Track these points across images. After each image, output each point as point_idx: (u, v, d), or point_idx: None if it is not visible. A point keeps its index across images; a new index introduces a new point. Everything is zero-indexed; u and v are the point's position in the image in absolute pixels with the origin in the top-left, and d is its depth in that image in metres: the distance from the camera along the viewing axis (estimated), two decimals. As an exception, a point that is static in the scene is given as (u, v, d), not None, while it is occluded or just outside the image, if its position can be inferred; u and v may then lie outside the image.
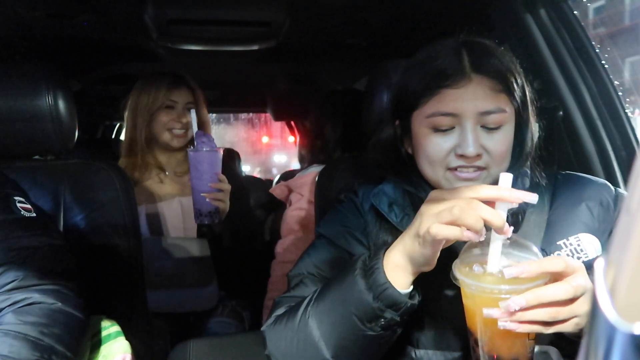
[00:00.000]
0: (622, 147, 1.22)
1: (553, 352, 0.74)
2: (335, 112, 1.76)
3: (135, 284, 1.29)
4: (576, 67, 1.27)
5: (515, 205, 0.64)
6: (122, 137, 3.66)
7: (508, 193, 0.64)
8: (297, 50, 2.01)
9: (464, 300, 0.68)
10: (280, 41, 1.70)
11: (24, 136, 1.19)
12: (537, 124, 0.86)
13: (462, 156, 0.78)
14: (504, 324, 0.61)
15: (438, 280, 0.79)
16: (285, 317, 0.82)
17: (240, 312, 1.71)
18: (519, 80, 0.82)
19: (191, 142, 1.58)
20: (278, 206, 2.37)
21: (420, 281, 0.82)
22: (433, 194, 0.71)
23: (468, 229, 0.63)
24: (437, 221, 0.64)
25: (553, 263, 0.61)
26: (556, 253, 0.82)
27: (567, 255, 0.82)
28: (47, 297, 0.88)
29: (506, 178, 0.66)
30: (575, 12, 1.28)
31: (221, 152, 1.44)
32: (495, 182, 0.81)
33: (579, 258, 0.81)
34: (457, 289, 0.77)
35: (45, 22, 1.55)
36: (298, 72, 2.50)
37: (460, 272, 0.65)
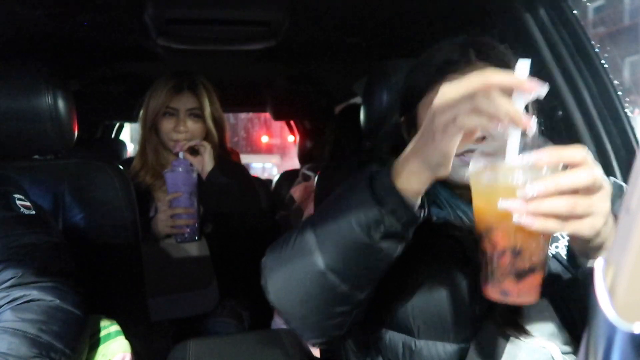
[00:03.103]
0: (621, 147, 1.22)
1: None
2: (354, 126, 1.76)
3: (134, 283, 1.29)
4: (576, 67, 1.27)
5: (531, 97, 0.58)
6: (122, 136, 3.68)
7: (521, 81, 0.57)
8: (296, 49, 2.01)
9: (476, 202, 0.63)
10: (280, 41, 1.70)
11: (23, 136, 1.19)
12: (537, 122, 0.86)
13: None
14: (519, 218, 0.55)
15: (443, 268, 0.79)
16: (282, 239, 0.76)
17: (240, 312, 1.71)
18: None
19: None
20: (279, 205, 2.38)
21: (425, 270, 0.82)
22: (442, 88, 0.61)
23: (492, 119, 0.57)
24: (458, 112, 0.58)
25: (573, 152, 0.57)
26: (554, 245, 0.81)
27: (565, 245, 0.81)
28: (46, 294, 0.88)
29: (524, 65, 0.58)
30: (574, 11, 1.28)
31: (196, 173, 1.56)
32: None
33: None
34: (462, 278, 0.76)
35: (45, 22, 1.55)
36: (298, 72, 2.50)
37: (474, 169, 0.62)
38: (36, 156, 1.30)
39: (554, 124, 1.28)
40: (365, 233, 0.65)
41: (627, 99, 1.26)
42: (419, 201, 0.67)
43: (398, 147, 0.91)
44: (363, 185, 0.67)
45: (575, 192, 0.56)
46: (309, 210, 1.86)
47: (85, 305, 0.95)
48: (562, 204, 0.55)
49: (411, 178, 0.64)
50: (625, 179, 1.17)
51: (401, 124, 0.93)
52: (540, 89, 0.56)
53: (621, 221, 0.22)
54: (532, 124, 0.56)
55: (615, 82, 1.24)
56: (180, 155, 1.56)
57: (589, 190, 0.56)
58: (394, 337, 0.85)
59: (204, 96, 1.61)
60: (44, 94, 1.16)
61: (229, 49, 1.82)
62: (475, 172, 0.61)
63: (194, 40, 1.71)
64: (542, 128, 0.88)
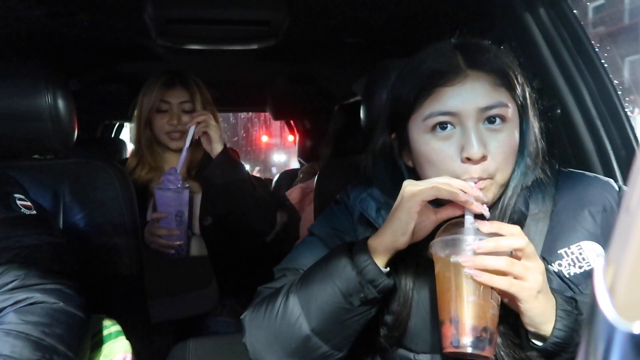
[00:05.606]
0: (621, 147, 1.21)
1: None
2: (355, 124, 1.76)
3: (134, 282, 1.29)
4: (575, 66, 1.27)
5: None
6: (122, 136, 3.68)
7: (465, 199, 0.72)
8: (296, 49, 2.01)
9: (437, 271, 0.74)
10: (280, 40, 1.70)
11: (23, 135, 1.19)
12: (539, 126, 0.85)
13: (468, 159, 0.76)
14: (469, 270, 0.68)
15: (433, 282, 0.79)
16: (265, 302, 0.83)
17: (240, 312, 1.70)
18: (519, 79, 0.80)
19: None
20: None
21: (416, 283, 0.83)
22: (407, 183, 0.76)
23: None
24: (424, 198, 0.73)
25: (511, 227, 0.72)
26: (557, 262, 0.80)
27: (569, 264, 0.79)
28: (49, 296, 0.88)
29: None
30: (574, 11, 1.28)
31: (187, 191, 1.51)
32: (500, 189, 0.80)
33: (580, 267, 0.79)
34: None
35: (45, 21, 1.55)
36: (298, 71, 2.50)
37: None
38: (36, 156, 1.30)
39: (554, 124, 1.28)
40: (348, 300, 0.75)
41: (627, 99, 1.27)
42: (387, 269, 0.77)
43: (389, 169, 0.90)
44: (344, 257, 0.76)
45: (515, 257, 0.69)
46: (308, 212, 1.84)
47: (88, 306, 0.94)
48: (501, 261, 0.68)
49: (380, 248, 0.75)
50: (625, 179, 1.17)
51: (392, 142, 0.88)
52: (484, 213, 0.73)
53: (621, 221, 0.22)
54: (484, 211, 0.72)
55: (615, 81, 1.24)
56: (190, 131, 1.53)
57: (524, 253, 0.69)
58: (393, 354, 0.86)
59: (196, 91, 1.64)
60: (44, 94, 1.16)
61: (228, 48, 1.82)
62: (435, 241, 0.74)
63: (194, 39, 1.72)
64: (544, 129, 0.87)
